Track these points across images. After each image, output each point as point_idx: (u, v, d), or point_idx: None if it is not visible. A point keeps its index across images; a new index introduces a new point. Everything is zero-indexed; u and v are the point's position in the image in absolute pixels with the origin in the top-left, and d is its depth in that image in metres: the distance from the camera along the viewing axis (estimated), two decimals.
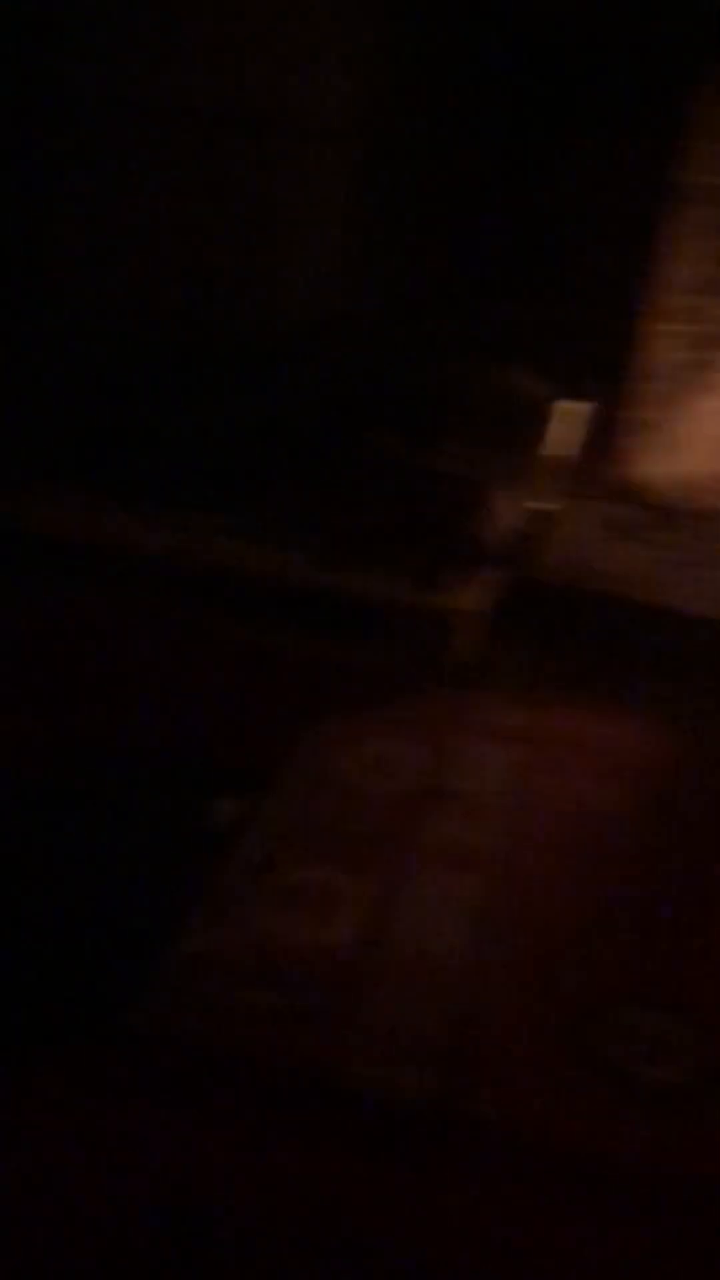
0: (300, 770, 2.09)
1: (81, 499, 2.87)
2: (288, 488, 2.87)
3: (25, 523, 2.73)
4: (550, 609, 2.75)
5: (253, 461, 2.89)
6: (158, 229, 3.03)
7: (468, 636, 2.53)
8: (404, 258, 3.19)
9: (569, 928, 1.77)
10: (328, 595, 2.57)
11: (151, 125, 2.91)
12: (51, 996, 1.43)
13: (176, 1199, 1.20)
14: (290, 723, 2.23)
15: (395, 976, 1.59)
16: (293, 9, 2.92)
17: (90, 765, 1.97)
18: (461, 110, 3.09)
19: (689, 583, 2.81)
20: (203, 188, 3.00)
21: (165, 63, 2.89)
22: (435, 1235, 1.22)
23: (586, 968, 1.68)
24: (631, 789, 2.22)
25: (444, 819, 2.03)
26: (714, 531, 3.14)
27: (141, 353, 3.02)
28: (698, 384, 3.52)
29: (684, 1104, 1.44)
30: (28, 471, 2.90)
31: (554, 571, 2.83)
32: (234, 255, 3.06)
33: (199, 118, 2.94)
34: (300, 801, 2.00)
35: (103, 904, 1.61)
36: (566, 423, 3.14)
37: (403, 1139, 1.35)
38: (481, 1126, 1.38)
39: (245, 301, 3.08)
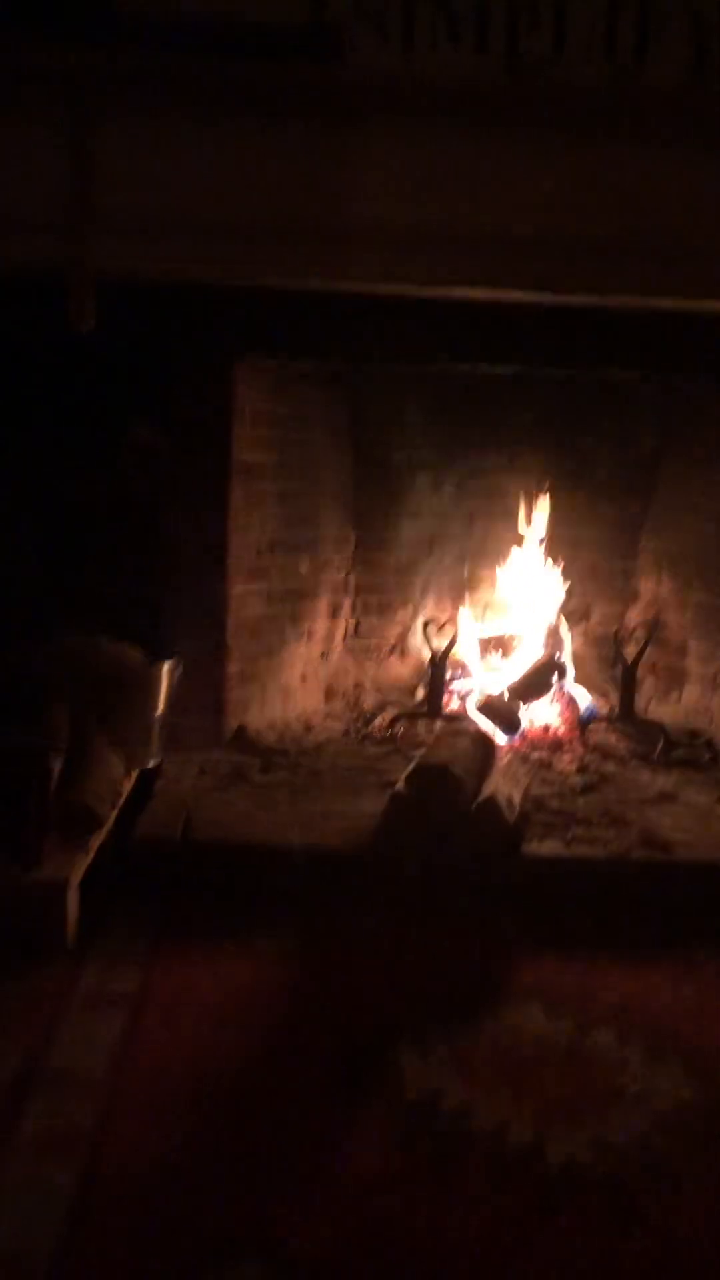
0: None
1: None
2: None
3: None
4: (159, 863, 2.79)
5: None
6: None
7: (73, 906, 2.51)
8: None
9: (165, 1194, 1.78)
10: None
11: None
12: None
13: None
14: None
15: None
16: None
17: None
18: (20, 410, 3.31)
19: (286, 817, 2.95)
20: None
21: None
22: None
23: (178, 1236, 1.68)
24: (243, 1035, 2.24)
25: (45, 1104, 1.97)
26: (310, 765, 3.33)
27: None
28: (290, 633, 3.80)
29: None
30: None
31: (160, 826, 2.90)
32: None
33: None
34: None
35: None
36: (166, 683, 3.26)
37: None
38: None
39: None
